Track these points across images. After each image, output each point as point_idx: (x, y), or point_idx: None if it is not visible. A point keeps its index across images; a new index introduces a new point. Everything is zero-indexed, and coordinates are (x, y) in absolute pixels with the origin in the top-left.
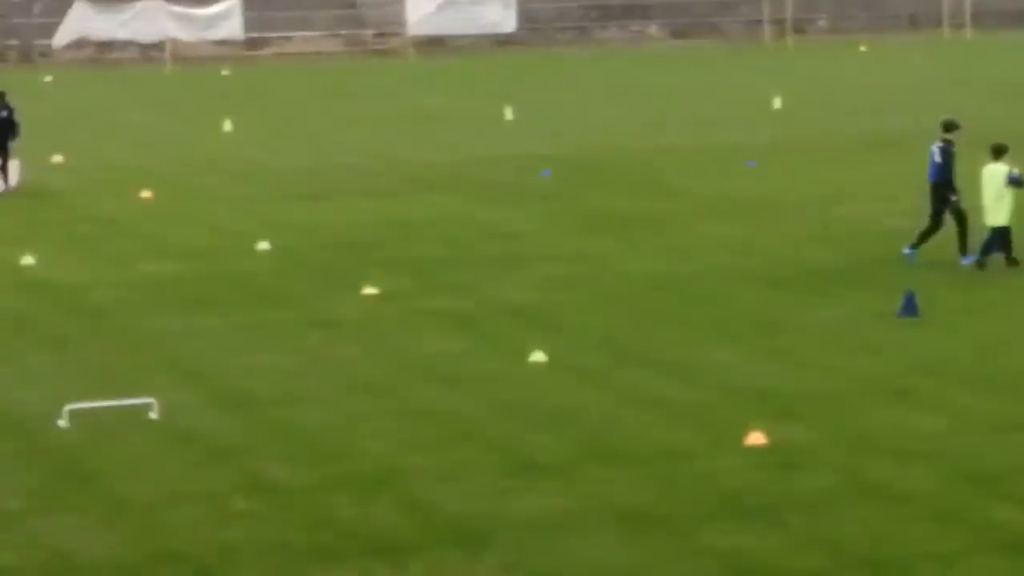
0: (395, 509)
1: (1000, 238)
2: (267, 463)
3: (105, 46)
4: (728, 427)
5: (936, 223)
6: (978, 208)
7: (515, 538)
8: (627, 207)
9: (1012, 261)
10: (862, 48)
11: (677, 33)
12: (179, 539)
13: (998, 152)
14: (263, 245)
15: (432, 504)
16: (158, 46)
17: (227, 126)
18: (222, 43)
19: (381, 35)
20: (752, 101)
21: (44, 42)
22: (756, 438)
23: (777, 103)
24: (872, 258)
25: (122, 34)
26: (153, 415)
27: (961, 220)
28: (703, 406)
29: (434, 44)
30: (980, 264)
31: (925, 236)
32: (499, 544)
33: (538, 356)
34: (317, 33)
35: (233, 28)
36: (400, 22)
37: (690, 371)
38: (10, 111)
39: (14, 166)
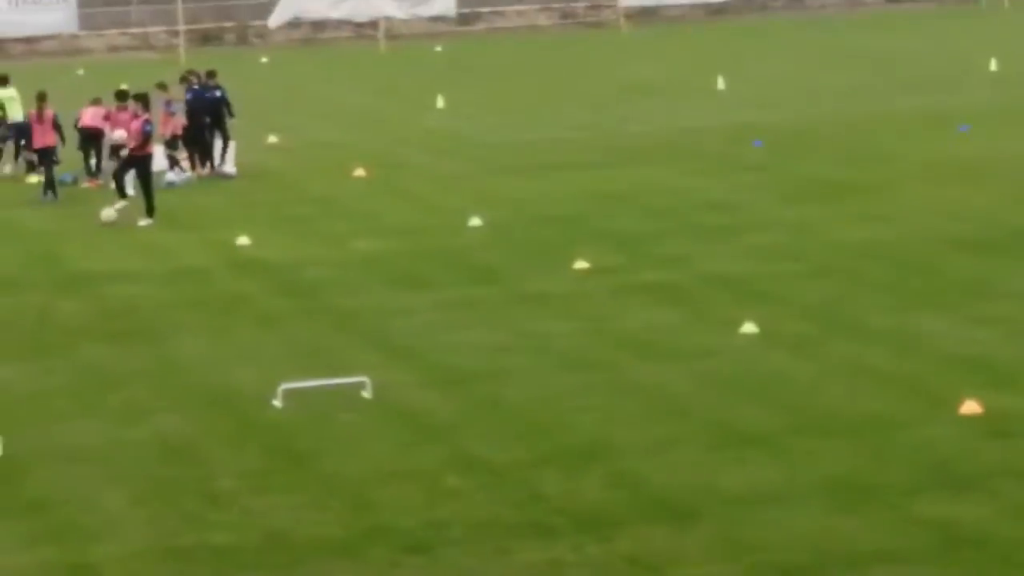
0: (604, 484)
1: None
2: (477, 440)
3: (319, 26)
4: (941, 396)
5: None
6: None
7: (724, 511)
8: (837, 174)
9: None
10: None
11: None
12: (391, 517)
13: None
14: (475, 221)
15: (641, 478)
16: (372, 24)
17: (440, 103)
18: (435, 19)
19: (594, 7)
20: (968, 64)
21: (259, 23)
22: (971, 407)
23: (993, 65)
24: None
25: (336, 13)
26: (366, 394)
27: None
28: (915, 375)
29: (646, 15)
30: None
31: None
32: (708, 518)
33: (749, 327)
34: (529, 7)
35: (446, 4)
36: None
37: (902, 339)
38: (222, 90)
39: (231, 147)
